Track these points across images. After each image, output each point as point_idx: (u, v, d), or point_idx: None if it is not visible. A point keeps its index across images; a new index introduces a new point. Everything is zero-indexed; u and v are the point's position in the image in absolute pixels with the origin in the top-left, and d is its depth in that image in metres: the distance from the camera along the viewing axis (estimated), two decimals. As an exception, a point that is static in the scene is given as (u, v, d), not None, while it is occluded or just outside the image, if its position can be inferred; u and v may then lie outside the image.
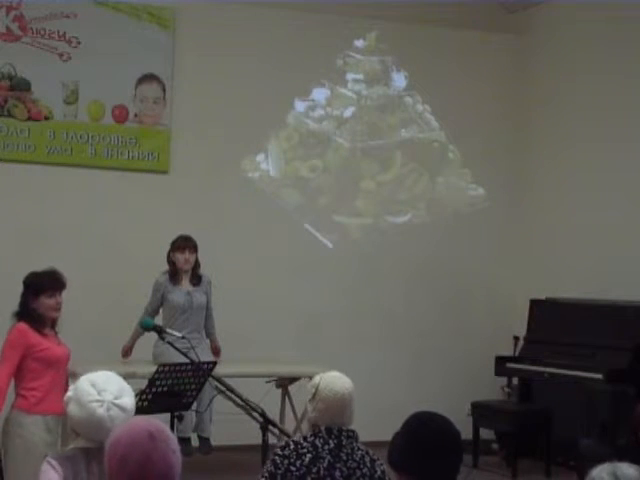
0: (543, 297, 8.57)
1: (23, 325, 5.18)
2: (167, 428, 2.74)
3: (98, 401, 3.23)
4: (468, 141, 9.25)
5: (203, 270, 7.28)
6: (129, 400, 3.30)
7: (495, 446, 8.62)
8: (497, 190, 9.38)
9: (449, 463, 2.92)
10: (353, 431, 3.84)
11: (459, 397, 8.54)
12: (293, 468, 3.70)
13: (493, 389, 8.89)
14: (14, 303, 5.30)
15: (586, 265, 8.51)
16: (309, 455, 3.73)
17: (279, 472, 3.70)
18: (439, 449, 2.88)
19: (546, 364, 7.96)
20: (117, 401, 3.24)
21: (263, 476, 3.74)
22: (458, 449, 2.97)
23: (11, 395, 5.22)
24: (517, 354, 8.66)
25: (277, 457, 3.74)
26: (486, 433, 8.39)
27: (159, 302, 7.18)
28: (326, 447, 3.75)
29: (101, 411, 3.20)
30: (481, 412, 8.18)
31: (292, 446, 3.76)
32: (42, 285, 5.22)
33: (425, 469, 2.87)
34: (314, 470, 3.70)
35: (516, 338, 8.86)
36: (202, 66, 8.51)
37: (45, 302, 5.22)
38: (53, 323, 5.32)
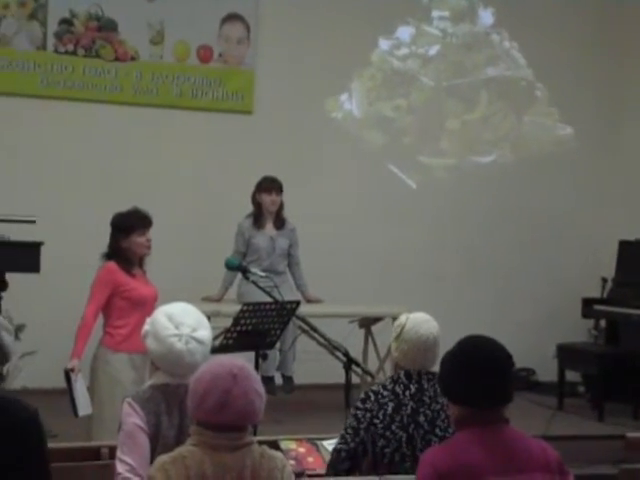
0: (632, 238, 8.41)
1: (112, 264, 5.29)
2: (252, 369, 2.74)
3: (176, 335, 3.22)
4: (556, 79, 9.02)
5: (285, 211, 7.31)
6: (206, 333, 3.28)
7: (581, 389, 8.54)
8: (586, 129, 9.15)
9: (498, 384, 2.95)
10: (434, 373, 3.77)
11: (544, 339, 8.47)
12: (377, 420, 3.64)
13: (580, 331, 8.77)
14: (101, 244, 5.41)
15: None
16: (391, 404, 3.67)
17: (362, 426, 3.64)
18: (485, 370, 2.93)
19: (634, 306, 7.83)
20: (195, 334, 3.23)
21: (346, 432, 3.68)
22: (506, 368, 2.99)
23: (99, 332, 5.34)
24: (605, 296, 8.54)
25: (359, 412, 3.68)
26: (572, 375, 8.31)
27: (244, 246, 7.23)
28: (407, 393, 3.69)
29: (180, 345, 3.20)
30: (567, 354, 8.08)
31: (372, 397, 3.69)
32: (133, 224, 5.31)
33: (473, 391, 2.91)
34: (397, 419, 3.65)
35: (604, 280, 8.71)
36: (286, 6, 8.44)
37: (137, 240, 5.30)
38: (141, 262, 5.42)
